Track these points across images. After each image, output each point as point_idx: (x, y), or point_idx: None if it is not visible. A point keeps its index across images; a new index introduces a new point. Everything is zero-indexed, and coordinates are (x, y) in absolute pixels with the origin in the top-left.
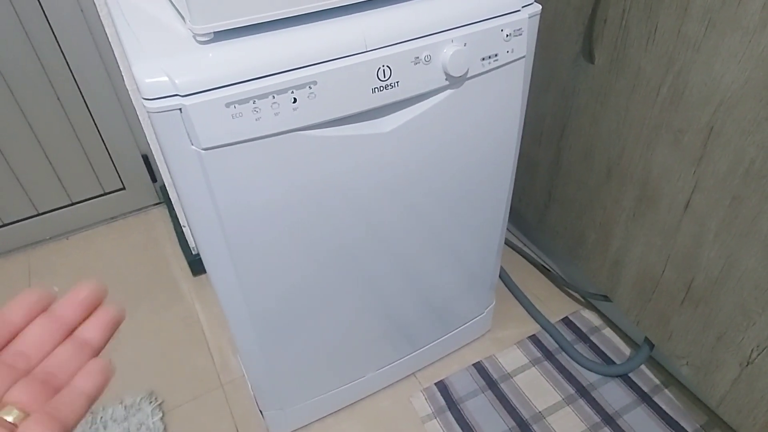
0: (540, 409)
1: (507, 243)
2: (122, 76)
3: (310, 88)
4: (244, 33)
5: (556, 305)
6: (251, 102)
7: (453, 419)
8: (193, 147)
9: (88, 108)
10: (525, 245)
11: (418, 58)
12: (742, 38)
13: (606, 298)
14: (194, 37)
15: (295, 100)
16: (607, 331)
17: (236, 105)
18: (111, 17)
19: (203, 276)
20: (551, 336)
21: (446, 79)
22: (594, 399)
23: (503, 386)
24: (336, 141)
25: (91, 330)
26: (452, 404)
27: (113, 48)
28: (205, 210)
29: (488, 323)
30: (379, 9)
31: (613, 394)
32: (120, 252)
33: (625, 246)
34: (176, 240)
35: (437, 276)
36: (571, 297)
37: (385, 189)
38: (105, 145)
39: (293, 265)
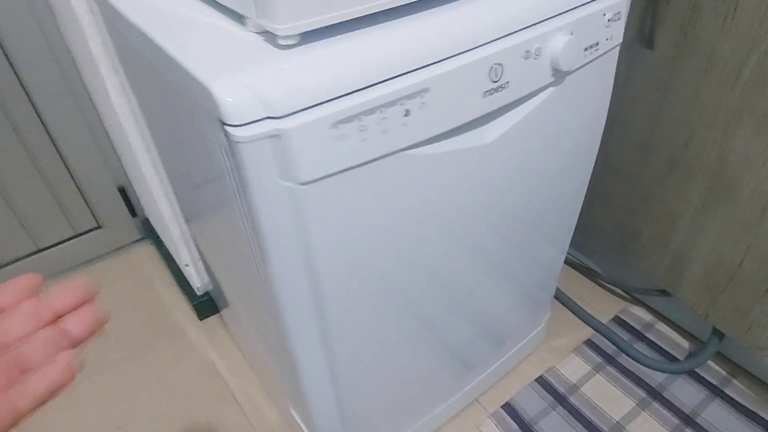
0: (617, 419)
1: None
2: (91, 97)
3: (421, 97)
4: (329, 33)
5: (603, 305)
6: (357, 120)
7: None
8: (285, 182)
9: (50, 137)
10: None
11: (528, 52)
12: None
13: (663, 293)
14: (272, 42)
15: (407, 113)
16: (662, 326)
17: (342, 125)
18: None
19: (212, 319)
20: (607, 338)
21: (552, 75)
22: (667, 400)
23: (572, 399)
24: (440, 158)
25: (75, 323)
26: (525, 427)
27: (80, 65)
28: (292, 254)
29: (543, 334)
30: None
31: (685, 392)
32: (104, 299)
33: (691, 240)
34: (172, 280)
35: (507, 293)
36: (615, 295)
37: (478, 205)
38: (74, 179)
39: (388, 302)
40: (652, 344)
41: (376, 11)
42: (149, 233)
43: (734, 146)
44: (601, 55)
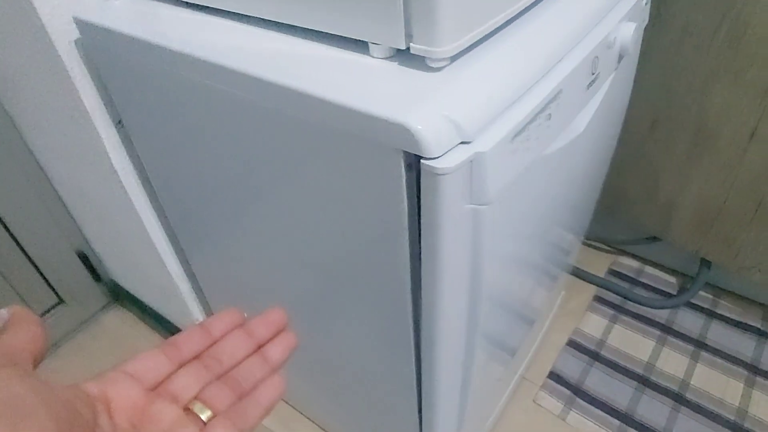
0: (646, 360)
1: None
2: (30, 149)
3: (557, 99)
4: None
5: (595, 263)
6: (525, 131)
7: (586, 403)
8: (469, 205)
9: None
10: None
11: (609, 42)
12: None
13: (652, 240)
14: (415, 65)
15: (549, 117)
16: (650, 270)
17: (516, 138)
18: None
19: None
20: (611, 290)
21: (617, 61)
22: (678, 332)
23: (604, 353)
24: (557, 153)
25: (275, 349)
26: (576, 389)
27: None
28: (462, 276)
29: (561, 300)
30: None
31: (689, 321)
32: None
33: (678, 188)
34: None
35: (557, 271)
36: (601, 251)
37: (564, 195)
38: (26, 253)
39: (506, 307)
40: (647, 287)
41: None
42: (119, 295)
43: (713, 101)
44: (638, 35)
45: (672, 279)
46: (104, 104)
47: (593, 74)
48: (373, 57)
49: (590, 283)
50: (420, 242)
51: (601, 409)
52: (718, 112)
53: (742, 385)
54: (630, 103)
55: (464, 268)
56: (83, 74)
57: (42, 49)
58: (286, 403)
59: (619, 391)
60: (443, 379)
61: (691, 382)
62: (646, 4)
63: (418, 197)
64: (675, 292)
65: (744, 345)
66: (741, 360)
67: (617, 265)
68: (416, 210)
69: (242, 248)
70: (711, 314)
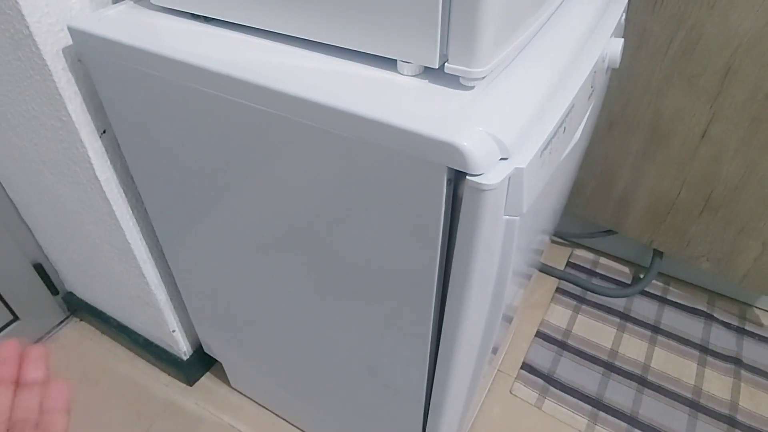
0: (609, 346)
1: None
2: None
3: (569, 113)
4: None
5: (553, 256)
6: (550, 144)
7: (559, 391)
8: (505, 216)
9: None
10: None
11: (602, 58)
12: None
13: (608, 233)
14: (447, 82)
15: (564, 130)
16: (604, 260)
17: (545, 152)
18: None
19: (202, 380)
20: (572, 282)
21: (606, 74)
22: (636, 319)
23: (572, 342)
24: (564, 161)
25: (32, 369)
26: (549, 378)
27: None
28: (489, 286)
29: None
30: (561, 12)
31: (645, 309)
32: None
33: (633, 184)
34: (130, 354)
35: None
36: (558, 245)
37: (556, 192)
38: None
39: (512, 300)
40: (604, 277)
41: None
42: (78, 307)
43: (667, 104)
44: None
45: (625, 269)
46: (89, 113)
47: (592, 87)
48: (401, 74)
49: (552, 276)
50: (451, 254)
51: (573, 396)
52: (672, 114)
53: (695, 365)
54: None
55: (491, 278)
56: (69, 82)
57: (24, 57)
58: (278, 416)
59: (587, 378)
60: (455, 387)
61: (652, 365)
62: (623, 20)
63: (452, 210)
64: (628, 282)
65: (694, 328)
66: (692, 342)
67: (574, 258)
68: (449, 221)
69: (235, 259)
70: (663, 301)
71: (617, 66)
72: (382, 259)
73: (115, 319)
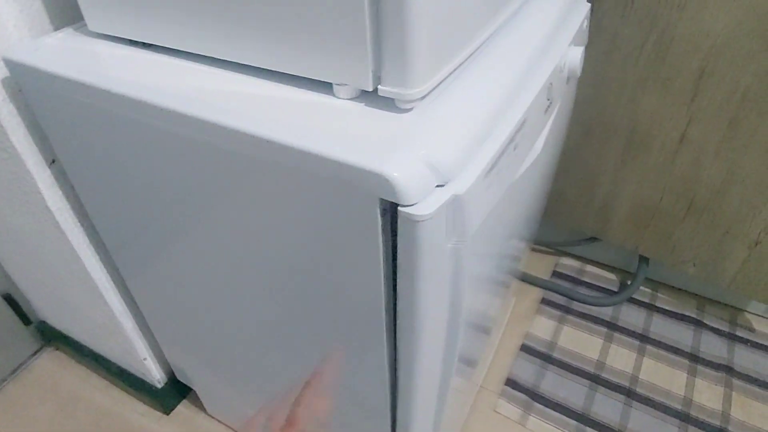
0: (596, 358)
1: None
2: None
3: (522, 129)
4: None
5: (539, 265)
6: (498, 163)
7: (543, 406)
8: (449, 244)
9: None
10: None
11: (560, 68)
12: None
13: (592, 240)
14: (383, 105)
15: (515, 147)
16: (591, 268)
17: (491, 172)
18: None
19: (179, 408)
20: (557, 292)
21: (566, 83)
22: (624, 328)
23: (557, 355)
24: (523, 176)
25: None
26: (533, 394)
27: None
28: (442, 309)
29: (512, 306)
30: (517, 19)
31: (632, 317)
32: None
33: (614, 190)
34: (106, 383)
35: (510, 279)
36: (543, 253)
37: (522, 204)
38: None
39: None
40: (590, 286)
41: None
42: (51, 339)
43: (643, 108)
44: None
45: (612, 276)
46: (36, 143)
47: (549, 99)
48: (338, 98)
49: (536, 286)
50: (396, 282)
51: (559, 411)
52: (649, 119)
53: (685, 374)
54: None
55: (443, 302)
56: (11, 114)
57: None
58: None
59: (573, 392)
60: (420, 405)
61: (640, 376)
62: (586, 27)
63: (393, 238)
64: (616, 289)
65: (683, 335)
66: (682, 350)
67: (560, 267)
68: (392, 250)
69: (195, 286)
70: (651, 308)
71: (578, 75)
72: (330, 291)
73: (88, 348)
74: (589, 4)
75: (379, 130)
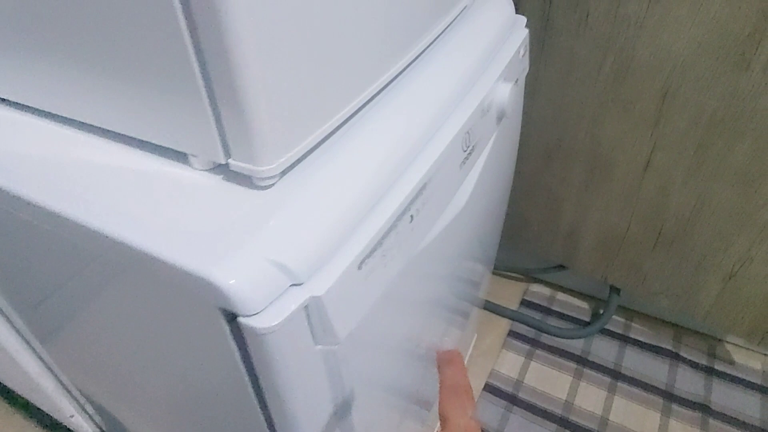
0: (564, 398)
1: None
2: None
3: (422, 194)
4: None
5: (507, 293)
6: (379, 247)
7: None
8: (317, 347)
9: None
10: None
11: (484, 109)
12: (690, 8)
13: (561, 268)
14: (239, 180)
15: (412, 218)
16: (562, 296)
17: (367, 261)
18: None
19: None
20: (525, 323)
21: (497, 122)
22: (594, 363)
23: (522, 395)
24: (433, 243)
25: None
26: None
27: None
28: (324, 410)
29: (474, 340)
30: (423, 62)
31: (603, 350)
32: None
33: (580, 217)
34: None
35: (462, 316)
36: (513, 279)
37: (449, 259)
38: None
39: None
40: (561, 315)
41: (364, 103)
42: None
43: (605, 132)
44: (519, 86)
45: (584, 304)
46: None
47: (466, 150)
48: (193, 168)
49: (503, 316)
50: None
51: None
52: (611, 143)
53: (659, 415)
54: (524, 133)
55: (323, 403)
56: None
57: None
58: None
59: None
60: None
61: (610, 418)
62: (523, 55)
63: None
64: (588, 319)
65: (658, 369)
66: (656, 387)
67: (530, 294)
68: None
69: (101, 355)
70: (625, 339)
71: (507, 114)
72: (203, 390)
73: (23, 398)
74: (527, 30)
75: (228, 214)
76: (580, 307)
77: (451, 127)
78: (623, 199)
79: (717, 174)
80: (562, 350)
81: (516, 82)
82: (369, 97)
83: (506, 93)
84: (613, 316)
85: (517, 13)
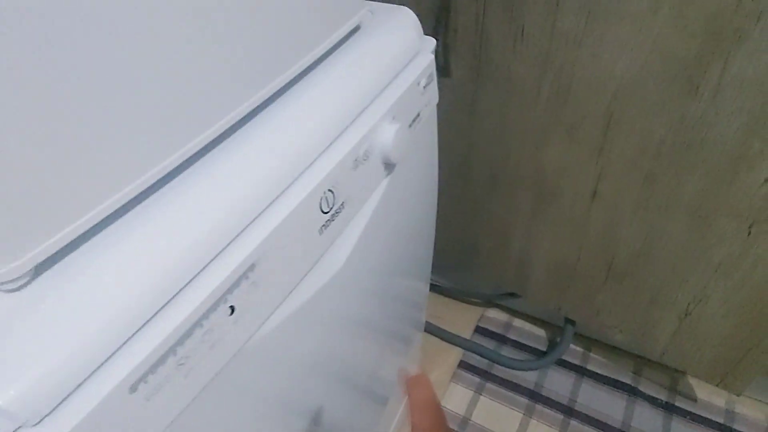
0: None
1: None
2: None
3: (247, 278)
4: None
5: (461, 318)
6: (171, 354)
7: None
8: None
9: None
10: None
11: (357, 159)
12: (631, 27)
13: (513, 295)
14: None
15: (232, 310)
16: (519, 322)
17: (149, 376)
18: None
19: None
20: (477, 353)
21: (385, 169)
22: (548, 398)
23: None
24: (294, 317)
25: None
26: None
27: None
28: None
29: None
30: (278, 104)
31: (558, 383)
32: None
33: (529, 245)
34: None
35: (384, 357)
36: (469, 304)
37: (348, 317)
38: None
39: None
40: (516, 344)
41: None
42: None
43: (549, 157)
44: (423, 121)
45: (542, 332)
46: None
47: (326, 212)
48: None
49: (454, 344)
50: None
51: None
52: (557, 170)
53: None
54: (468, 154)
55: None
56: None
57: None
58: None
59: None
60: None
61: None
62: (426, 85)
63: None
64: (545, 348)
65: (615, 406)
66: (611, 426)
67: (485, 321)
68: None
69: None
70: (581, 371)
71: (394, 160)
72: None
73: None
74: (431, 57)
75: None
76: (537, 336)
77: (300, 189)
78: (572, 228)
79: (667, 208)
80: (515, 383)
81: (417, 117)
82: (179, 162)
83: (389, 137)
84: (571, 345)
85: (448, 25)
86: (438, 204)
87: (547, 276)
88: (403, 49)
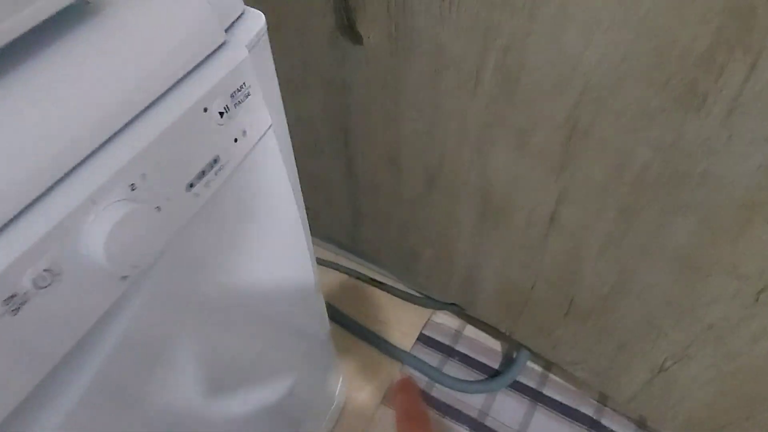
0: None
1: (322, 262)
2: None
3: None
4: None
5: (404, 321)
6: None
7: None
8: None
9: None
10: (343, 261)
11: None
12: None
13: (460, 308)
14: None
15: None
16: (471, 331)
17: None
18: None
19: None
20: (417, 370)
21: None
22: (493, 429)
23: None
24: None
25: None
26: None
27: None
28: None
29: (344, 397)
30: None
31: (508, 408)
32: None
33: (476, 262)
34: None
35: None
36: (418, 304)
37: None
38: None
39: None
40: (465, 358)
41: None
42: None
43: (495, 166)
44: (238, 164)
45: (496, 345)
46: None
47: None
48: None
49: (391, 357)
50: None
51: None
52: (505, 182)
53: None
54: (396, 145)
55: None
56: None
57: None
58: None
59: None
60: None
61: None
62: (228, 109)
63: None
64: (497, 365)
65: None
66: None
67: (431, 328)
68: None
69: None
70: (537, 397)
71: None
72: None
73: None
74: (246, 52)
75: None
76: (491, 349)
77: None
78: (526, 252)
79: (648, 250)
80: (456, 409)
81: (215, 167)
82: None
83: (102, 232)
84: (528, 363)
85: None
86: (367, 199)
87: (497, 297)
88: (201, 47)
